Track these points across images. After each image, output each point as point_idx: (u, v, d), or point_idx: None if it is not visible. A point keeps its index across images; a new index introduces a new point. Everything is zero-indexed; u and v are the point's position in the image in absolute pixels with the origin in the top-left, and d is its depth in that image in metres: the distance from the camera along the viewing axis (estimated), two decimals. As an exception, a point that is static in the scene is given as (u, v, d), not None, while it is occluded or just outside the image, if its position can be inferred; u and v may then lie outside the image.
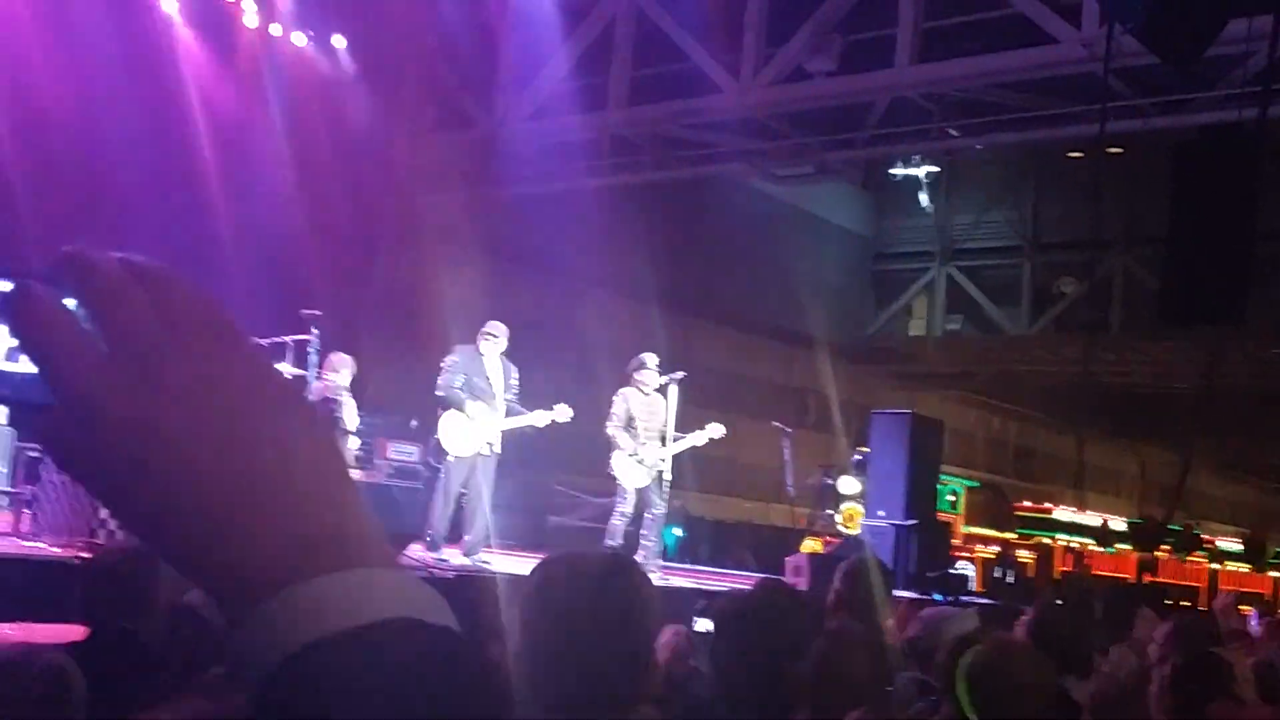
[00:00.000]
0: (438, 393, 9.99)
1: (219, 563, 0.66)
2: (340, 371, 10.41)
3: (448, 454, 9.98)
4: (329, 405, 9.93)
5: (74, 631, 3.59)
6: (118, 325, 0.67)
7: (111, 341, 0.67)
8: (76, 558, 6.59)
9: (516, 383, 10.18)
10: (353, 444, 10.84)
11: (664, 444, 10.90)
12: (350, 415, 10.47)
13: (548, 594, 2.28)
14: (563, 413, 10.29)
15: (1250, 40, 10.42)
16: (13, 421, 10.80)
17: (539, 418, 10.24)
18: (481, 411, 9.93)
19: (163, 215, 12.04)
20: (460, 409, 9.85)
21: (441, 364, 10.04)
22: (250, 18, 14.08)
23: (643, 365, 10.97)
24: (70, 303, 0.69)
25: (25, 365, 0.68)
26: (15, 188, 11.39)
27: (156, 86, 12.91)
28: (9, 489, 9.00)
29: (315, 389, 10.04)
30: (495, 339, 10.13)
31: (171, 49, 13.29)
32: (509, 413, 10.07)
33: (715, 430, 11.12)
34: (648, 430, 10.80)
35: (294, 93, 14.40)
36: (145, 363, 0.67)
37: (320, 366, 10.70)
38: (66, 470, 0.68)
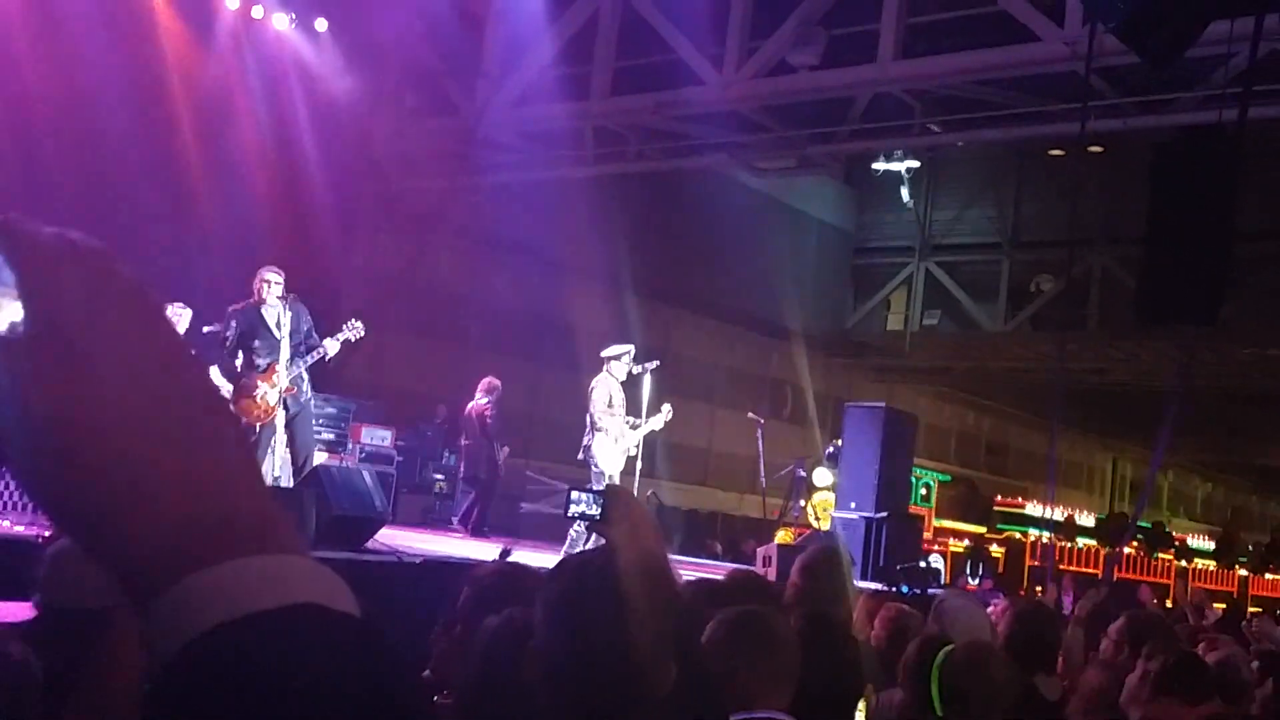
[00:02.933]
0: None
1: (124, 546, 0.66)
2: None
3: None
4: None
5: (23, 610, 3.60)
6: (42, 299, 0.67)
7: (37, 316, 0.67)
8: (40, 536, 6.56)
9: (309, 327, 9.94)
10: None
11: (633, 429, 11.04)
12: None
13: (558, 601, 2.31)
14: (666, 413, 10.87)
15: (1232, 41, 10.47)
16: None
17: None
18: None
19: (142, 195, 11.99)
20: None
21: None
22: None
23: (617, 355, 11.07)
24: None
25: None
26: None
27: (137, 66, 12.82)
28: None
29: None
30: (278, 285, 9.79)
31: (152, 29, 13.19)
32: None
33: (666, 412, 11.26)
34: (621, 418, 10.95)
35: (275, 75, 14.32)
36: (69, 342, 0.67)
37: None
38: None
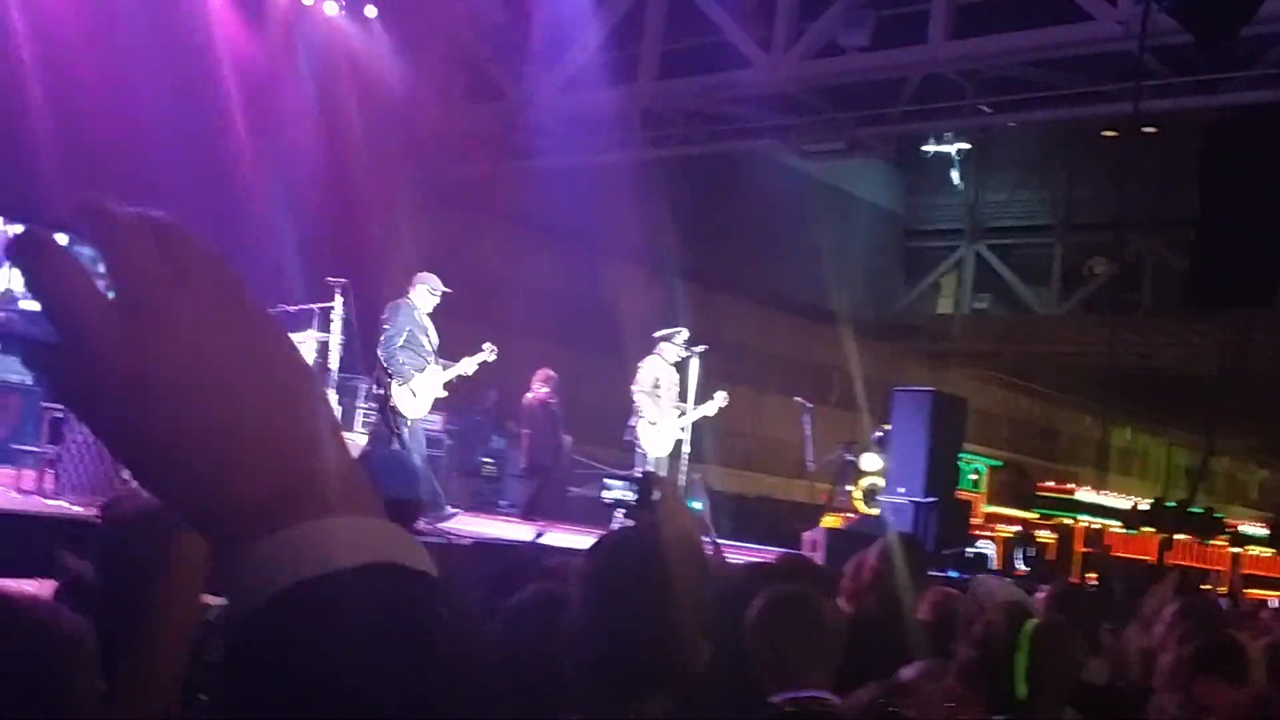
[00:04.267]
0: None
1: (209, 504, 0.70)
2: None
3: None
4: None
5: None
6: (128, 274, 0.70)
7: (120, 288, 0.70)
8: (98, 516, 6.65)
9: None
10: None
11: (680, 415, 11.03)
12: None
13: (596, 575, 2.33)
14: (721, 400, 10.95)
15: (1285, 21, 10.32)
16: (27, 369, 10.86)
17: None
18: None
19: (193, 182, 12.06)
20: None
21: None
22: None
23: (671, 338, 11.08)
24: (84, 249, 0.72)
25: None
26: (47, 156, 11.44)
27: (187, 54, 12.93)
28: (34, 448, 9.09)
29: None
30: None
31: (204, 16, 13.30)
32: None
33: (720, 400, 11.24)
34: (670, 400, 10.94)
35: (324, 61, 14.40)
36: (149, 311, 0.70)
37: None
38: (64, 402, 0.72)
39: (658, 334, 11.11)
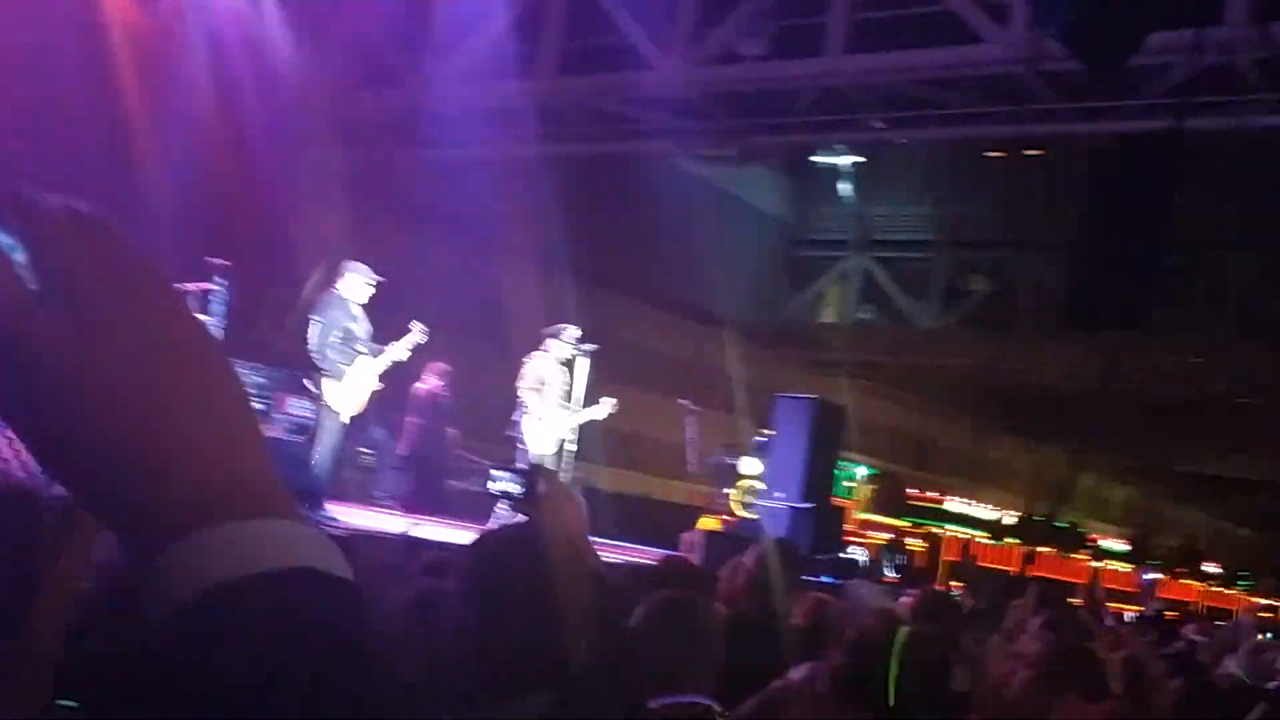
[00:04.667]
0: None
1: (129, 503, 0.69)
2: None
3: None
4: None
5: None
6: (56, 268, 0.69)
7: (46, 282, 0.69)
8: None
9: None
10: None
11: (568, 413, 11.02)
12: None
13: (486, 569, 2.32)
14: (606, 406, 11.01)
15: (1172, 52, 10.64)
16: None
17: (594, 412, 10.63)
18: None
19: (83, 159, 11.77)
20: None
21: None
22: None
23: (559, 334, 11.05)
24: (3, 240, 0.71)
25: None
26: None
27: (77, 23, 12.57)
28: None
29: None
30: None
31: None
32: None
33: (609, 405, 11.26)
34: (555, 398, 10.90)
35: (220, 41, 14.09)
36: (77, 305, 0.69)
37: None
38: None
39: (546, 330, 11.09)
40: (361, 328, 9.87)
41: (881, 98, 13.57)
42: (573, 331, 11.10)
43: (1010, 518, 25.19)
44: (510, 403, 11.05)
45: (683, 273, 20.67)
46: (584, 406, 11.24)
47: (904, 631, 3.69)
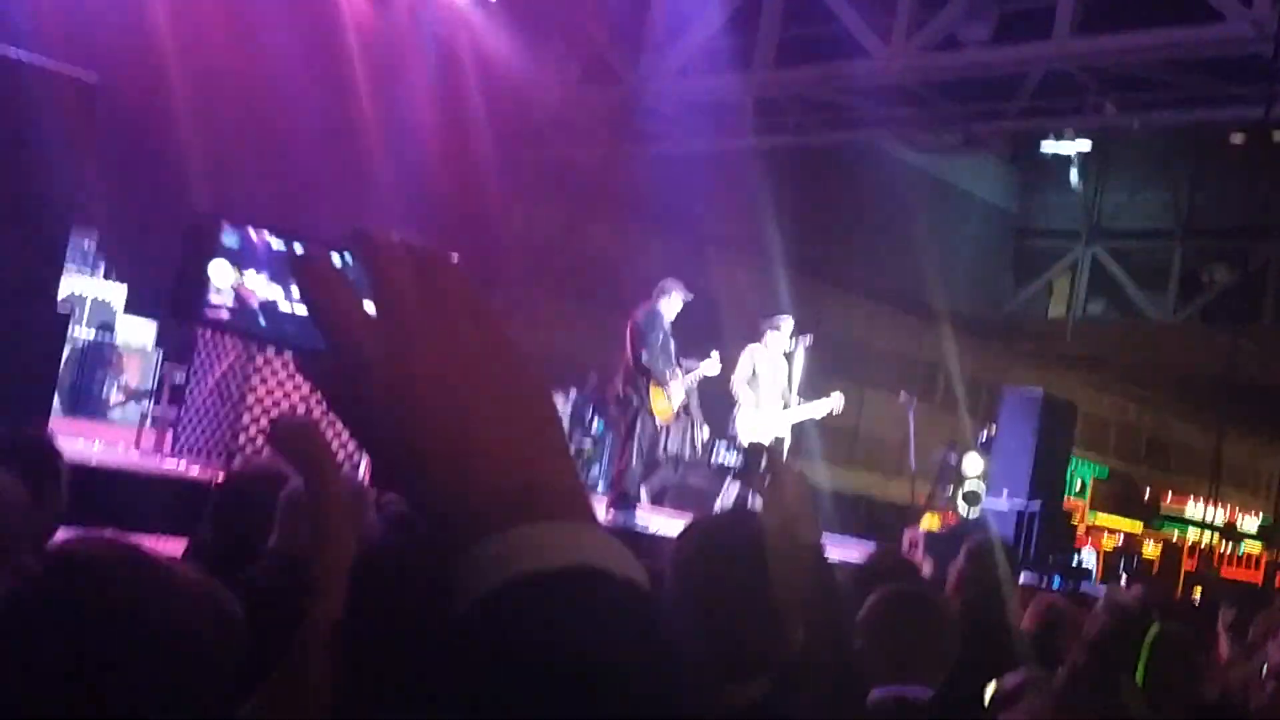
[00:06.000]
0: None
1: (449, 502, 0.78)
2: None
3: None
4: None
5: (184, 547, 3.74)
6: (387, 294, 0.80)
7: (380, 306, 0.80)
8: (212, 481, 6.81)
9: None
10: None
11: (785, 408, 10.92)
12: None
13: (692, 557, 2.31)
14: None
15: None
16: (160, 342, 11.15)
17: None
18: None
19: (315, 159, 12.32)
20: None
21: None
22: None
23: (776, 326, 10.98)
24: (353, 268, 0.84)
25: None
26: (182, 126, 11.74)
27: (312, 26, 13.14)
28: (155, 409, 9.32)
29: None
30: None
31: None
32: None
33: (836, 402, 11.11)
34: (770, 391, 10.82)
35: (445, 42, 14.53)
36: (404, 328, 0.79)
37: None
38: (330, 408, 0.82)
39: (763, 324, 11.02)
40: (672, 343, 10.38)
41: (1112, 80, 13.05)
42: (789, 323, 11.00)
43: (1253, 523, 23.91)
44: (728, 398, 11.03)
45: (903, 265, 20.35)
46: (800, 399, 11.12)
47: (1155, 629, 3.53)
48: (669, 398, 10.23)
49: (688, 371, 10.43)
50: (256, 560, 3.01)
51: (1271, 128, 15.43)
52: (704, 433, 12.84)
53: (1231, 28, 11.17)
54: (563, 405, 14.57)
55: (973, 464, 15.57)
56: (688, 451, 12.24)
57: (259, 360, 7.91)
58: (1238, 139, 19.32)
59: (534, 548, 0.75)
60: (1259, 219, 19.69)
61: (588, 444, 14.58)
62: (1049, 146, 18.83)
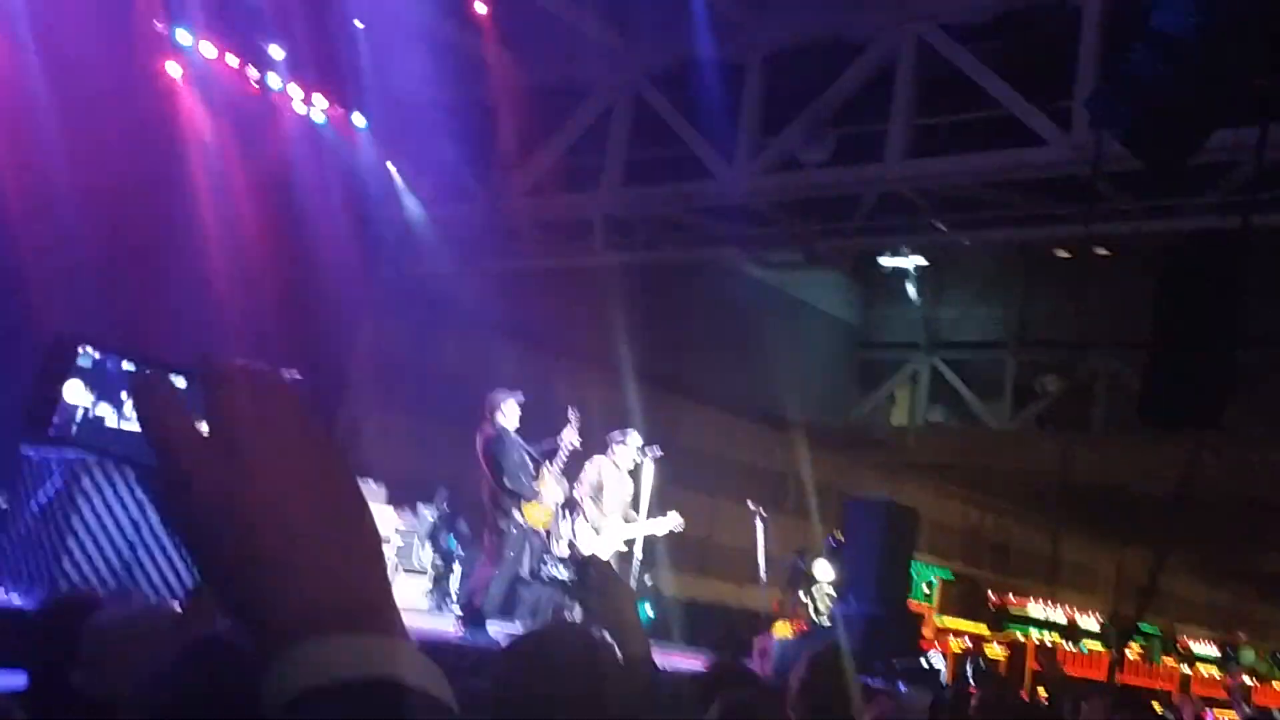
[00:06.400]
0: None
1: (266, 608, 0.83)
2: None
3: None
4: None
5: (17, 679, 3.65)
6: (221, 416, 0.86)
7: (214, 427, 0.86)
8: (31, 609, 6.58)
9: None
10: None
11: (627, 522, 10.99)
12: None
13: (519, 672, 2.32)
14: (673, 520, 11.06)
15: (1237, 150, 10.61)
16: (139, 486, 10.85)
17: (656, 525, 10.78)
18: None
19: (158, 272, 12.14)
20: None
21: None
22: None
23: (623, 440, 11.07)
24: (180, 384, 0.93)
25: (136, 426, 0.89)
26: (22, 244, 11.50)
27: (153, 143, 13.03)
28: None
29: None
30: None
31: (175, 106, 13.43)
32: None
33: (674, 521, 11.22)
34: (613, 504, 10.87)
35: (292, 155, 14.50)
36: (235, 448, 0.85)
37: None
38: (162, 518, 0.88)
39: (610, 437, 11.11)
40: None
41: (944, 200, 13.64)
42: (635, 437, 11.12)
43: (1093, 622, 24.58)
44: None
45: (751, 377, 20.68)
46: (650, 514, 11.21)
47: None
48: (542, 505, 10.27)
49: (548, 455, 10.50)
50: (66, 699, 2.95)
51: (1094, 245, 16.22)
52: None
53: (1053, 151, 11.80)
54: (415, 522, 14.41)
55: (822, 570, 15.78)
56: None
57: (85, 483, 7.71)
58: (1063, 254, 20.22)
59: (342, 657, 0.80)
60: (1087, 332, 20.54)
61: (438, 561, 14.41)
62: (887, 262, 19.48)
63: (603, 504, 10.82)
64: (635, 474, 11.14)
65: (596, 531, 10.77)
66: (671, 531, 11.38)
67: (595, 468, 10.95)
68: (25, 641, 3.59)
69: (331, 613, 0.82)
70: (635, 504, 11.16)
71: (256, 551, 0.83)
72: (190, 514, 0.85)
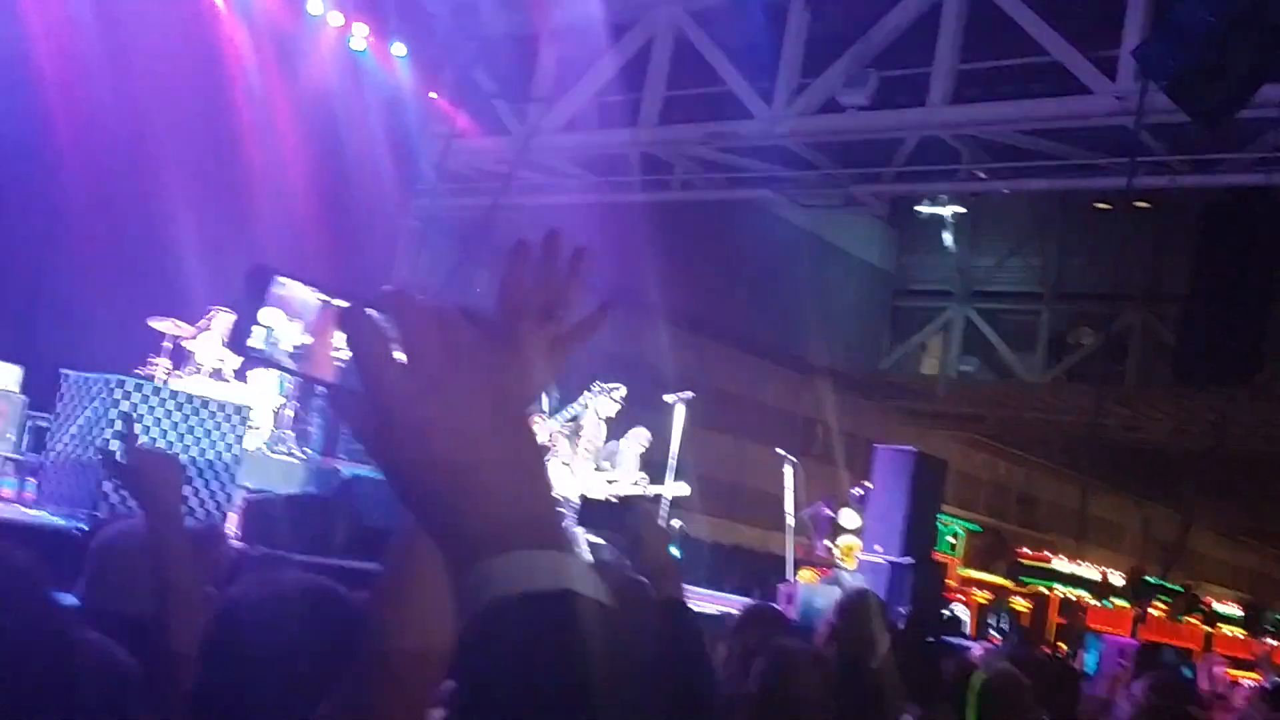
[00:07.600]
0: None
1: (455, 527, 0.92)
2: None
3: None
4: None
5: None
6: (414, 348, 0.94)
7: (410, 357, 0.94)
8: (77, 528, 6.65)
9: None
10: None
11: (597, 469, 10.93)
12: None
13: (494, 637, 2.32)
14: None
15: (1283, 105, 10.42)
16: (26, 389, 10.89)
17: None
18: None
19: (198, 202, 12.16)
20: None
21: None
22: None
23: (608, 391, 11.00)
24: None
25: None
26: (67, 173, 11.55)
27: (201, 72, 13.05)
28: (18, 456, 9.06)
29: None
30: None
31: (218, 33, 13.43)
32: None
33: (680, 489, 11.21)
34: (587, 449, 10.83)
35: (325, 85, 14.47)
36: (428, 377, 0.93)
37: None
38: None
39: (603, 384, 11.01)
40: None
41: (985, 148, 13.48)
42: (620, 391, 11.01)
43: (1119, 578, 24.56)
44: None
45: (784, 321, 20.63)
46: (679, 456, 11.18)
47: (979, 677, 3.66)
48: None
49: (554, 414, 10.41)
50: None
51: (1134, 198, 16.03)
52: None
53: (1097, 101, 11.62)
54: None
55: (849, 518, 15.78)
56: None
57: (124, 406, 7.76)
58: (1102, 206, 20.02)
59: (525, 572, 0.88)
60: (1123, 285, 20.37)
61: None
62: (924, 209, 19.33)
63: (577, 444, 10.80)
64: (667, 413, 11.07)
65: (570, 471, 10.71)
66: (704, 470, 11.39)
67: (579, 406, 10.90)
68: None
69: (515, 530, 0.90)
70: (666, 448, 11.14)
71: (452, 475, 0.92)
72: (390, 436, 0.93)
